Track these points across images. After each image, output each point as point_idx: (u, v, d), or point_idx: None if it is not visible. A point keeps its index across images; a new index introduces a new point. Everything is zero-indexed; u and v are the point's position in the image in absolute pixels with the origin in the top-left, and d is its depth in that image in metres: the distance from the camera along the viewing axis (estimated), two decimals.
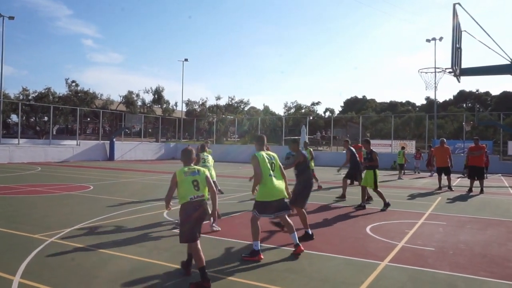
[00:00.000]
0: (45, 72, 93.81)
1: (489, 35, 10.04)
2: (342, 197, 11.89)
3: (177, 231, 7.06)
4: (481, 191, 14.35)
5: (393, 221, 8.54)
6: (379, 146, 34.36)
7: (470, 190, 14.62)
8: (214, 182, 11.50)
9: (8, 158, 27.72)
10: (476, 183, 14.74)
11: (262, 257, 5.38)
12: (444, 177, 15.29)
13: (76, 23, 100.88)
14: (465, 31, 10.75)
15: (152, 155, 39.55)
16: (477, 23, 10.09)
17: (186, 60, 48.30)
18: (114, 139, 35.49)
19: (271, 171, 5.59)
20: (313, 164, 14.07)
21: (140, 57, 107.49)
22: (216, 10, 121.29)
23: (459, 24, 10.63)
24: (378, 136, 49.17)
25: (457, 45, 10.40)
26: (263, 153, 5.70)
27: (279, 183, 5.63)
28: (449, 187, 15.11)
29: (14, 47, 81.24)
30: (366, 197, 10.52)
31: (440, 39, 35.86)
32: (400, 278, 4.82)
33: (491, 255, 5.97)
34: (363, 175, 10.90)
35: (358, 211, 9.80)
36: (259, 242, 5.46)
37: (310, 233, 6.69)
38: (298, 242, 5.70)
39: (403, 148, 23.82)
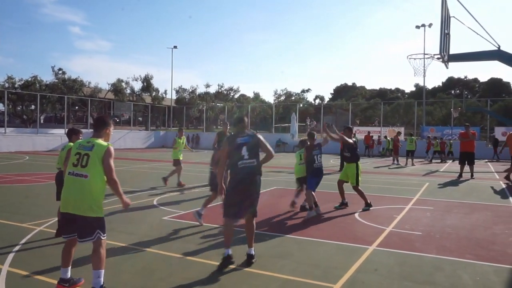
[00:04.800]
0: (31, 60, 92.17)
1: (477, 21, 10.08)
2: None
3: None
4: (472, 176, 14.63)
5: (382, 207, 8.64)
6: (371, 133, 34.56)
7: (460, 175, 14.85)
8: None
9: None
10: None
11: None
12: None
13: (62, 10, 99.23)
14: (453, 17, 10.80)
15: (142, 144, 39.32)
16: (465, 9, 10.13)
17: (175, 47, 47.89)
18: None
19: (74, 168, 3.78)
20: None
21: (129, 44, 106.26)
22: None
23: (448, 10, 10.66)
24: (368, 122, 49.44)
25: (446, 31, 10.44)
26: (78, 142, 3.98)
27: (81, 190, 3.70)
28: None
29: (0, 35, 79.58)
30: None
31: (430, 25, 35.95)
32: (388, 262, 4.90)
33: (476, 239, 6.09)
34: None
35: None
36: None
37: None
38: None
39: (411, 135, 24.06)
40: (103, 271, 3.73)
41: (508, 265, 4.87)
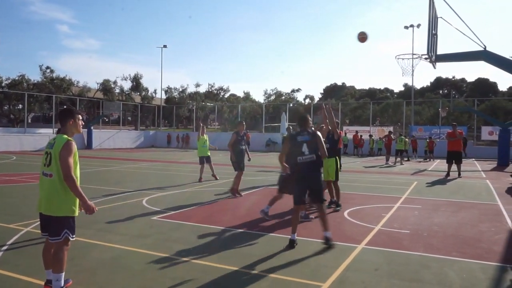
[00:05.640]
0: (18, 59, 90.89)
1: (464, 22, 10.23)
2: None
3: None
4: (459, 175, 14.84)
5: (371, 206, 8.71)
6: (359, 133, 34.81)
7: (448, 174, 15.05)
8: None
9: None
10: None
11: None
12: None
13: (50, 8, 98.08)
14: (441, 17, 10.93)
15: (131, 143, 39.08)
16: (452, 10, 10.25)
17: (165, 46, 47.66)
18: (92, 127, 34.87)
19: (43, 168, 3.72)
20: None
21: (119, 43, 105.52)
22: None
23: (435, 11, 10.78)
24: (357, 122, 49.76)
25: (433, 32, 10.56)
26: (48, 141, 3.93)
27: (48, 190, 3.62)
28: None
29: None
30: None
31: (418, 26, 36.26)
32: (376, 260, 4.94)
33: (463, 237, 6.18)
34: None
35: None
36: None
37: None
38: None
39: (401, 134, 24.18)
40: (63, 274, 3.62)
41: (494, 262, 4.95)
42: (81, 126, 3.91)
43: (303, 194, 5.65)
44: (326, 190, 8.05)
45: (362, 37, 7.78)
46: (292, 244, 5.42)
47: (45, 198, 3.62)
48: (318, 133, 5.78)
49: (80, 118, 3.89)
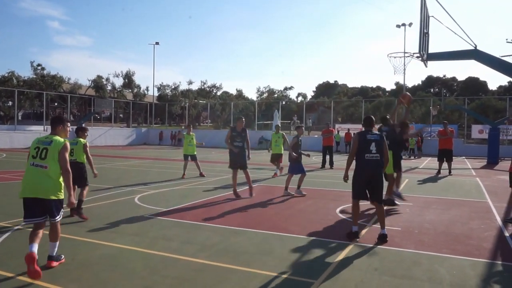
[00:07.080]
0: (8, 55, 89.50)
1: (455, 21, 10.28)
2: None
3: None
4: (449, 173, 14.98)
5: (362, 203, 8.71)
6: (350, 130, 34.92)
7: (439, 172, 15.18)
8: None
9: None
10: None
11: None
12: None
13: (41, 4, 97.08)
14: (432, 16, 10.99)
15: (123, 141, 38.84)
16: (443, 8, 10.31)
17: (157, 43, 47.40)
18: (83, 124, 34.55)
19: (34, 160, 4.33)
20: (282, 147, 13.69)
21: (110, 40, 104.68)
22: None
23: (427, 10, 10.84)
24: (349, 120, 49.93)
25: (425, 30, 10.61)
26: (37, 138, 4.51)
27: (42, 178, 4.27)
28: None
29: None
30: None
31: (410, 24, 36.42)
32: (368, 257, 4.98)
33: (453, 234, 6.24)
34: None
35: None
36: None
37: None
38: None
39: None
40: (58, 243, 4.44)
41: (483, 259, 5.02)
42: (68, 132, 4.68)
43: (362, 190, 5.88)
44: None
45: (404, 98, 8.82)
46: (355, 235, 5.75)
47: (39, 184, 4.25)
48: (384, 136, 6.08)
49: (69, 125, 4.71)
